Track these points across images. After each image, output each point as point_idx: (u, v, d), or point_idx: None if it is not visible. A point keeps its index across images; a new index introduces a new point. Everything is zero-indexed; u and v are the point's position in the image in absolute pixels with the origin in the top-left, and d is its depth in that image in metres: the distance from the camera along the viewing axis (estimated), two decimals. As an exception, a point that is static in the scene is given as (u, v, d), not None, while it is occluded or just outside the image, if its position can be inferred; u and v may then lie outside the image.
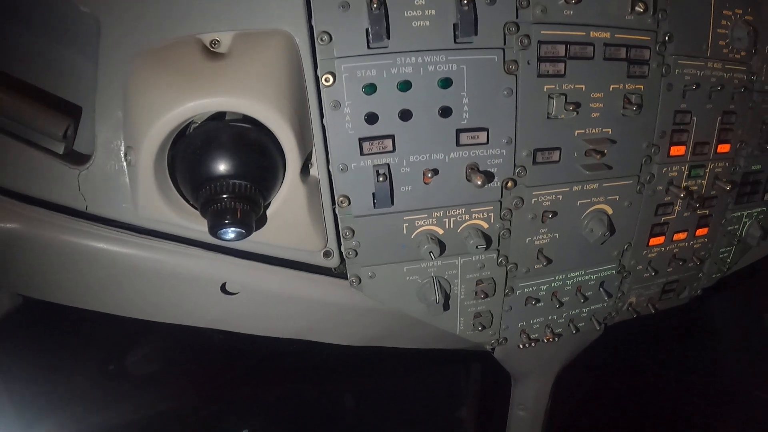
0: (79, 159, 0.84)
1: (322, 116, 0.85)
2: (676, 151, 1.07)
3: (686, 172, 1.11)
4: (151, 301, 0.98)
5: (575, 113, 0.92)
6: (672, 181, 1.10)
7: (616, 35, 0.93)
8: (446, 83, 0.86)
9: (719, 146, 1.11)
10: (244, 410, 2.04)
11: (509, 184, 0.96)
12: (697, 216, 1.19)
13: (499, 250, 1.04)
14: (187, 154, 0.77)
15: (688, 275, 1.29)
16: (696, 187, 1.14)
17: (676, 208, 1.15)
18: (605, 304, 1.23)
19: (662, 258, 1.21)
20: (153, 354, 1.92)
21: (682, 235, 1.20)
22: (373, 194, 0.90)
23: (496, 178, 0.95)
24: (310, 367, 1.95)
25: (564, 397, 1.58)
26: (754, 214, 1.30)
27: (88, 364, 1.81)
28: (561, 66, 0.90)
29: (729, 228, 1.27)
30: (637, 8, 0.90)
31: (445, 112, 0.87)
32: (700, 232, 1.22)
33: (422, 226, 0.96)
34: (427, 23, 0.82)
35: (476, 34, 0.84)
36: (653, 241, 1.17)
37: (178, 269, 0.91)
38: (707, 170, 1.13)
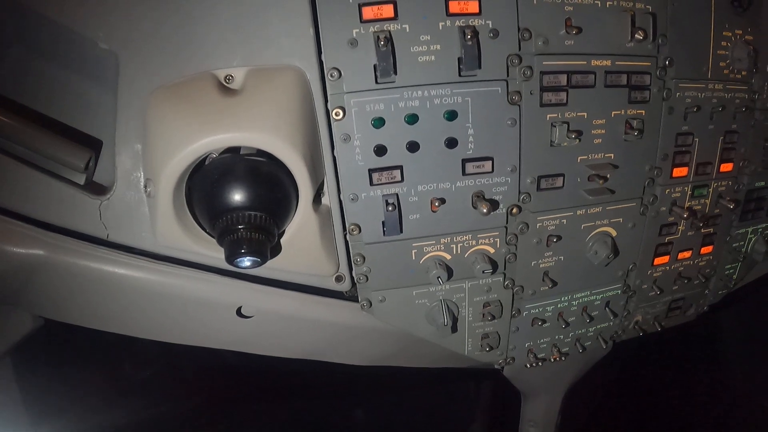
0: (100, 189, 0.86)
1: (333, 148, 0.87)
2: (679, 172, 1.07)
3: (689, 192, 1.11)
4: (169, 325, 1.01)
5: (577, 140, 0.94)
6: (675, 201, 1.10)
7: (617, 62, 0.94)
8: (452, 115, 0.87)
9: (722, 165, 1.12)
10: (256, 427, 2.05)
11: (514, 210, 0.98)
12: (701, 234, 1.19)
13: (505, 274, 1.06)
14: (204, 186, 0.80)
15: (693, 293, 1.29)
16: (699, 207, 1.14)
17: (680, 227, 1.15)
18: (611, 323, 1.23)
19: (667, 277, 1.21)
20: (165, 371, 1.94)
21: (686, 254, 1.20)
22: (383, 222, 0.92)
23: (501, 205, 0.96)
24: (322, 384, 1.96)
25: (574, 413, 1.58)
26: (760, 229, 1.29)
27: (99, 378, 1.84)
28: (563, 95, 0.92)
29: (734, 245, 1.27)
30: (636, 36, 0.91)
31: (451, 143, 0.89)
32: (704, 250, 1.22)
33: (430, 252, 0.98)
34: (433, 58, 0.84)
35: (480, 67, 0.86)
36: (658, 260, 1.17)
37: (195, 294, 0.93)
38: (710, 189, 1.13)
